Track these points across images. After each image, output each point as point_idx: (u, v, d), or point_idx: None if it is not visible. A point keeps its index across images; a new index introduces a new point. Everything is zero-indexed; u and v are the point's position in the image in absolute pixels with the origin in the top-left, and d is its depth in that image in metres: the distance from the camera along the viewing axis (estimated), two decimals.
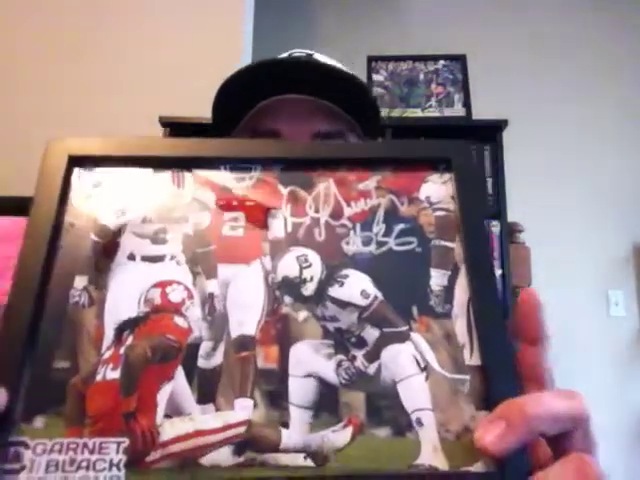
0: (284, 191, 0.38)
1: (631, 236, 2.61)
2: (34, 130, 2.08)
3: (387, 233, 0.36)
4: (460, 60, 2.39)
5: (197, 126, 1.94)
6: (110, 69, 2.19)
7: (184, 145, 0.39)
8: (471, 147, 0.40)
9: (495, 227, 2.16)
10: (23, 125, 2.10)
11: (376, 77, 2.39)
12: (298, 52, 0.74)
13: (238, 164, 0.38)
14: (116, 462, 0.28)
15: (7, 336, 0.31)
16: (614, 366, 2.47)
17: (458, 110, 2.32)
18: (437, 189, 0.38)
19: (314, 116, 0.65)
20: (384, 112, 2.33)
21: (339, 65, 0.69)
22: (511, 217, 2.20)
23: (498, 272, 2.06)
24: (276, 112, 0.65)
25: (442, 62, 2.40)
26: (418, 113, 2.33)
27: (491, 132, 2.21)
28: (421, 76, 2.39)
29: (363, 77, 2.41)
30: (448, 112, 2.32)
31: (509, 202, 2.19)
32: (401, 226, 0.37)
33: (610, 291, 2.57)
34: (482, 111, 2.31)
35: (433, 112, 2.33)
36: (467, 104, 2.31)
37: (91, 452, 0.29)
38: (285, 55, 0.73)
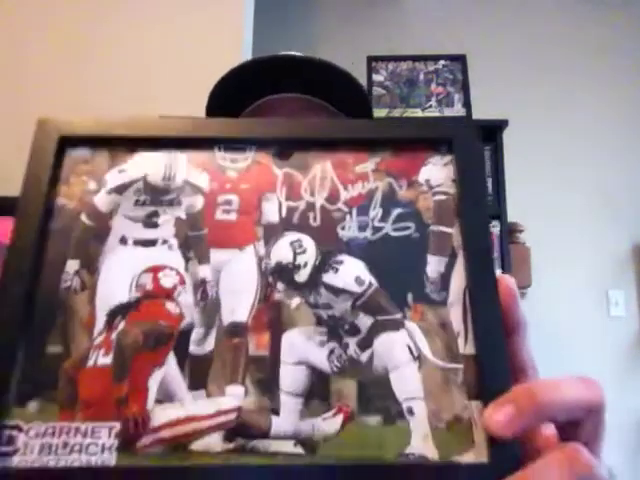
0: (279, 173, 0.36)
1: (631, 236, 2.61)
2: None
3: (384, 218, 0.35)
4: (460, 60, 2.39)
5: None
6: (110, 69, 2.18)
7: (177, 125, 0.37)
8: (475, 125, 0.39)
9: (495, 227, 2.16)
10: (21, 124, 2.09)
11: (376, 77, 2.40)
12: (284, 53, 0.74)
13: (232, 144, 0.37)
14: (108, 446, 0.29)
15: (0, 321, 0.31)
16: (614, 367, 2.46)
17: (458, 110, 2.32)
18: (438, 171, 0.36)
19: (309, 110, 0.67)
20: (384, 112, 2.33)
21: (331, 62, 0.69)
22: (511, 217, 2.20)
23: (498, 272, 2.06)
24: (271, 109, 0.67)
25: (442, 62, 2.40)
26: (418, 113, 2.34)
27: (491, 132, 2.21)
28: (421, 76, 2.39)
29: (363, 77, 2.41)
30: (448, 112, 2.32)
31: (509, 202, 2.19)
32: (399, 211, 0.35)
33: (610, 291, 2.56)
34: (482, 111, 2.31)
35: (433, 112, 2.33)
36: (467, 104, 2.32)
37: (84, 436, 0.29)
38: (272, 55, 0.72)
